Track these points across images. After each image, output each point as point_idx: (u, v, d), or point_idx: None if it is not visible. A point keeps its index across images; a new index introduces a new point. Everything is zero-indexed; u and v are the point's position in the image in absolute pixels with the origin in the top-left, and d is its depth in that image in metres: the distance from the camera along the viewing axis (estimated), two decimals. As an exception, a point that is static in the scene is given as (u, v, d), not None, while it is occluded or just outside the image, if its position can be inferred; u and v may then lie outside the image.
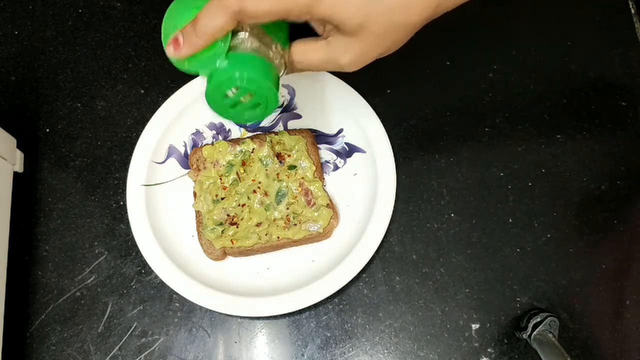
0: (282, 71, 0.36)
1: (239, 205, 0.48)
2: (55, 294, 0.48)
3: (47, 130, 0.53)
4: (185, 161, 0.51)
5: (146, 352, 0.47)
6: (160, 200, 0.49)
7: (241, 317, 0.47)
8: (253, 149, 0.49)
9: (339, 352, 0.47)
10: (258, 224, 0.48)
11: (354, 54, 0.34)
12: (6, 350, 0.45)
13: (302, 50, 0.36)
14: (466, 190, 0.50)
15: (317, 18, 0.33)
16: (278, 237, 0.47)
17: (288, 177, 0.48)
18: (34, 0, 0.57)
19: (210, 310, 0.47)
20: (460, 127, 0.52)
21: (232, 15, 0.31)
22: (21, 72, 0.55)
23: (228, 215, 0.48)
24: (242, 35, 0.34)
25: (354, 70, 0.35)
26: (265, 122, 0.52)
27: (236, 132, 0.52)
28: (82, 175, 0.52)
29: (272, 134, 0.50)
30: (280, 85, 0.36)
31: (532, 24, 0.55)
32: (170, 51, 0.33)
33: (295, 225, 0.47)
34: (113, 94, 0.54)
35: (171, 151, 0.51)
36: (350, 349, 0.47)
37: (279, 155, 0.49)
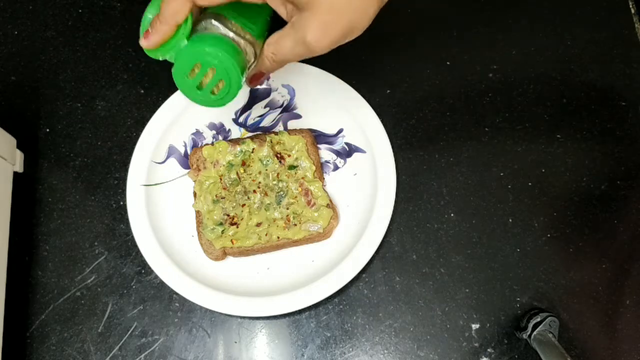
0: (252, 61, 0.37)
1: (239, 205, 0.48)
2: (55, 294, 0.48)
3: (47, 130, 0.53)
4: (185, 161, 0.51)
5: (146, 352, 0.47)
6: (160, 200, 0.49)
7: (241, 317, 0.47)
8: (253, 149, 0.49)
9: (339, 352, 0.47)
10: (258, 224, 0.48)
11: (315, 28, 0.33)
12: (6, 350, 0.45)
13: (274, 40, 0.36)
14: (466, 190, 0.50)
15: None
16: (278, 237, 0.47)
17: (288, 177, 0.48)
18: (34, 0, 0.57)
19: (210, 310, 0.47)
20: (460, 127, 0.52)
21: None
22: (21, 72, 0.55)
23: (228, 215, 0.48)
24: (206, 22, 0.36)
25: (325, 50, 0.34)
26: (266, 122, 0.52)
27: (236, 132, 0.52)
28: (82, 175, 0.52)
29: (272, 134, 0.50)
30: (247, 71, 0.37)
31: (532, 24, 0.55)
32: (142, 42, 0.36)
33: (295, 225, 0.47)
34: (113, 94, 0.54)
35: (171, 151, 0.51)
36: (350, 349, 0.47)
37: (279, 155, 0.49)
